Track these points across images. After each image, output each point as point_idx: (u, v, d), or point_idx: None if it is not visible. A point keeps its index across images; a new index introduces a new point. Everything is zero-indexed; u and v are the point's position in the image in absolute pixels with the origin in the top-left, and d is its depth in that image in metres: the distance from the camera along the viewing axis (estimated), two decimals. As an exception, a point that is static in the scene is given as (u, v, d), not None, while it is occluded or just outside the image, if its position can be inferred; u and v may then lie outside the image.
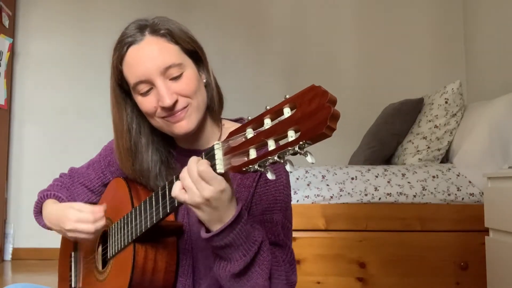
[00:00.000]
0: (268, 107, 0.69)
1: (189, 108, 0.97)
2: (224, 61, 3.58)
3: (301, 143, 0.62)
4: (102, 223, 1.03)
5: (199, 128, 1.02)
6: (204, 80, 1.02)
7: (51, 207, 1.13)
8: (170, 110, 0.96)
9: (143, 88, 0.96)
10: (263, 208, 0.98)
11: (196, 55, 1.01)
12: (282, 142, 0.66)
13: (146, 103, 0.97)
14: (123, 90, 1.03)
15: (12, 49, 3.69)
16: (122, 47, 0.98)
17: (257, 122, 0.69)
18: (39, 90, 3.80)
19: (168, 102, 0.94)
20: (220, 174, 0.76)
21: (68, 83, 3.79)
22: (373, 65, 3.67)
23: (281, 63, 3.75)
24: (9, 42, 3.64)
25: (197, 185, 0.79)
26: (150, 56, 0.95)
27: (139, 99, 0.99)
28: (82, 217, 1.02)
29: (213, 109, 1.04)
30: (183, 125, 0.97)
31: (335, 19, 3.75)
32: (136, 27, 0.98)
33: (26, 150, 3.77)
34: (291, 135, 0.64)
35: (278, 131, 0.65)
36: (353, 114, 3.35)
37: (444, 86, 2.64)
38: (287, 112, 0.65)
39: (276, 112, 0.67)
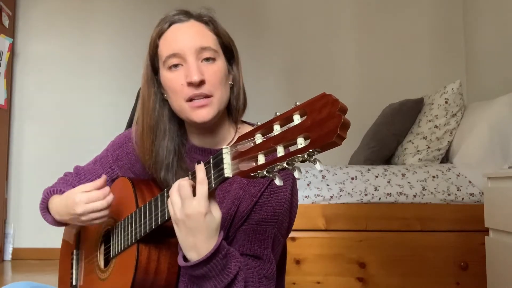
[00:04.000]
0: (278, 113, 0.69)
1: (213, 100, 0.97)
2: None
3: (310, 150, 0.62)
4: (111, 196, 1.02)
5: (215, 126, 1.03)
6: (230, 82, 1.04)
7: (57, 200, 1.12)
8: (195, 88, 0.96)
9: (174, 61, 0.98)
10: (260, 218, 0.99)
11: (230, 53, 1.04)
12: (291, 149, 0.66)
13: (174, 78, 0.98)
14: (153, 69, 1.04)
15: (12, 49, 3.69)
16: (165, 23, 1.00)
17: (266, 127, 0.69)
18: (39, 90, 3.80)
19: (195, 78, 0.95)
20: (227, 178, 0.76)
21: (68, 83, 3.79)
22: (373, 65, 3.67)
23: (281, 63, 3.75)
24: (9, 42, 3.64)
25: (184, 200, 0.83)
26: (189, 34, 0.99)
27: (167, 75, 1.00)
28: (91, 197, 1.01)
29: (235, 110, 1.05)
30: (203, 113, 0.97)
31: (335, 19, 3.75)
32: (180, 12, 1.01)
33: (26, 150, 3.77)
34: (301, 142, 0.64)
35: (287, 138, 0.65)
36: (353, 114, 3.33)
37: (444, 86, 2.65)
38: (297, 119, 0.65)
39: (285, 118, 0.67)
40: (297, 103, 0.66)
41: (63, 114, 3.77)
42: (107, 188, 1.03)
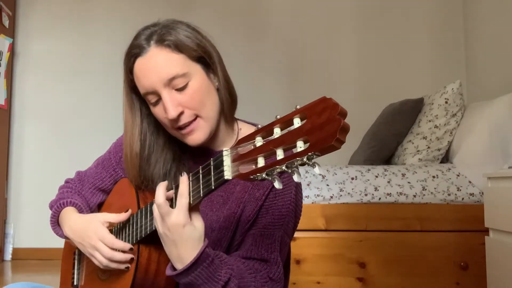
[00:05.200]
0: (278, 116, 0.69)
1: (200, 121, 0.98)
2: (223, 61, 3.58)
3: (309, 154, 0.62)
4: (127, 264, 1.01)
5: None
6: (216, 84, 1.03)
7: (74, 216, 1.11)
8: (176, 122, 0.97)
9: (152, 98, 0.99)
10: (267, 222, 0.99)
11: (204, 60, 1.01)
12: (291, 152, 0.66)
13: (157, 112, 1.00)
14: (139, 95, 1.04)
15: (12, 49, 3.69)
16: (129, 59, 1.00)
17: (267, 130, 0.70)
18: (39, 90, 3.80)
19: (172, 114, 0.95)
20: (227, 181, 0.77)
21: (68, 83, 3.79)
22: (373, 65, 3.67)
23: (281, 64, 3.74)
24: (9, 42, 3.63)
25: (163, 216, 0.85)
26: (154, 69, 0.96)
27: (151, 108, 1.01)
28: (115, 254, 1.00)
29: (224, 112, 1.04)
30: (194, 138, 0.99)
31: (335, 19, 3.75)
32: (144, 37, 0.98)
33: (26, 150, 3.77)
34: (300, 145, 0.64)
35: (287, 141, 0.66)
36: (353, 114, 3.34)
37: (444, 86, 2.65)
38: (297, 122, 0.66)
39: (286, 122, 0.67)
40: (298, 107, 0.66)
41: (63, 114, 3.77)
42: (127, 256, 1.00)
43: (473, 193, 2.23)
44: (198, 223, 0.87)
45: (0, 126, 3.58)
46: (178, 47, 0.97)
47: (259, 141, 0.70)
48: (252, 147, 0.71)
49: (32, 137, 3.78)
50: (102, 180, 1.20)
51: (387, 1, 3.71)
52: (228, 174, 0.76)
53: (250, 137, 0.72)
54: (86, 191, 1.21)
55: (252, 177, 0.70)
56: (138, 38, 0.99)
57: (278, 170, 0.67)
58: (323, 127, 0.61)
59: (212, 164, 0.81)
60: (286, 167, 0.66)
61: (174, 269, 0.89)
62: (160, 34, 0.97)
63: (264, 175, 0.69)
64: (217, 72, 1.03)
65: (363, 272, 2.21)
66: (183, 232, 0.84)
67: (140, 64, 0.98)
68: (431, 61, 3.61)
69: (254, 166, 0.70)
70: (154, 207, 0.88)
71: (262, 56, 3.74)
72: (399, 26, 3.68)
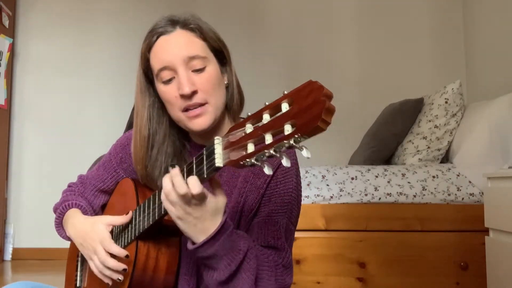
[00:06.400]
0: (267, 103, 0.70)
1: (208, 107, 0.99)
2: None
3: (296, 136, 0.63)
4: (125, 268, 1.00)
5: (216, 126, 1.04)
6: (226, 82, 1.05)
7: (79, 217, 1.11)
8: (188, 99, 0.98)
9: (166, 75, 0.99)
10: (270, 210, 1.00)
11: (221, 55, 1.04)
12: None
13: (168, 91, 1.00)
14: (148, 79, 1.06)
15: (12, 49, 3.69)
16: (152, 36, 1.01)
17: (257, 117, 0.71)
18: (39, 90, 3.80)
19: (187, 90, 0.96)
20: (218, 168, 0.77)
21: (68, 83, 3.80)
22: (373, 65, 3.67)
23: (281, 64, 3.75)
24: (9, 42, 3.64)
25: (182, 200, 0.83)
26: (177, 45, 0.99)
27: (161, 88, 1.01)
28: (111, 262, 0.99)
29: (233, 109, 1.06)
30: (200, 122, 0.99)
31: (335, 19, 3.75)
32: (168, 20, 1.01)
33: (26, 150, 3.77)
34: (288, 129, 0.65)
35: (275, 126, 0.66)
36: (353, 114, 3.36)
37: (444, 86, 2.64)
38: (285, 107, 0.67)
39: (274, 107, 0.69)
40: (285, 92, 0.68)
41: (63, 114, 3.77)
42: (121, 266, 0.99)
43: (473, 193, 2.23)
44: (219, 196, 0.86)
45: (0, 126, 3.58)
46: (202, 34, 1.01)
47: (249, 128, 0.71)
48: (243, 133, 0.72)
49: (32, 137, 3.78)
50: (103, 182, 1.20)
51: (387, 1, 3.72)
52: (219, 161, 0.77)
53: (241, 125, 0.73)
54: (89, 194, 1.22)
55: (242, 163, 0.71)
56: (162, 20, 1.02)
57: (267, 154, 0.68)
58: (308, 109, 0.62)
59: (204, 153, 0.81)
60: (275, 151, 0.66)
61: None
62: (185, 20, 1.01)
63: (253, 160, 0.70)
64: (231, 69, 1.06)
65: (363, 272, 2.21)
66: (206, 206, 0.83)
67: (163, 41, 1.00)
68: (431, 61, 3.61)
69: (244, 152, 0.71)
70: (169, 191, 0.84)
71: (262, 56, 3.74)
72: (399, 26, 3.68)
